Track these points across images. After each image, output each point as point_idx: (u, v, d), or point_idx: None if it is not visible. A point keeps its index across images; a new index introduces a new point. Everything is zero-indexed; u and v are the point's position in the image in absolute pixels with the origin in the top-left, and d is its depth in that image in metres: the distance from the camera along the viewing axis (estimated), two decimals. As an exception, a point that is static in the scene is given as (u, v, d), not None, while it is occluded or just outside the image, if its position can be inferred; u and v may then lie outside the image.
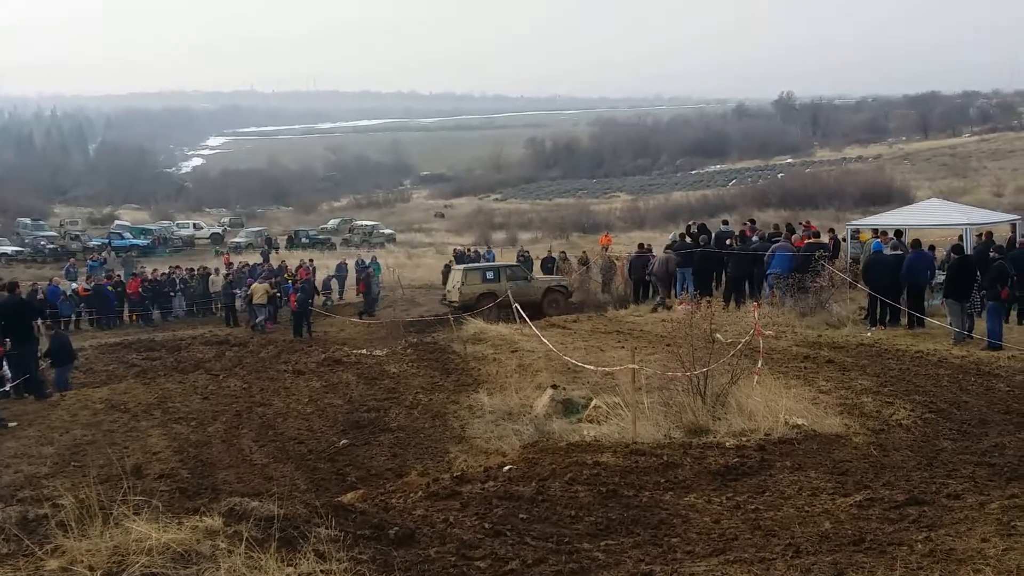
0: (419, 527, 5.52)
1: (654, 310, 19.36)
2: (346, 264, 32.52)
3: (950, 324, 13.91)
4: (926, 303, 15.56)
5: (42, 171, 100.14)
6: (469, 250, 36.84)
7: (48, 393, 13.82)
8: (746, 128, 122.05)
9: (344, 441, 10.68)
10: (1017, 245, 16.43)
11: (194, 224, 60.09)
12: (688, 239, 21.40)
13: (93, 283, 26.41)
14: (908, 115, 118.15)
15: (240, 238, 52.90)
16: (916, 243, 15.69)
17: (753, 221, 23.26)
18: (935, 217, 20.00)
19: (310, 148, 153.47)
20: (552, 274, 27.26)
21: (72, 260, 38.17)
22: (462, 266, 26.07)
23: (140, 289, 26.92)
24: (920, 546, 4.95)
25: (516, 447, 8.84)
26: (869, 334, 14.66)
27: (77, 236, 48.71)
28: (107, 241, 48.29)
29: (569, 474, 6.91)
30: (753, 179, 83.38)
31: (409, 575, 4.69)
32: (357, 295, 29.22)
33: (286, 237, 54.66)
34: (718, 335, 9.64)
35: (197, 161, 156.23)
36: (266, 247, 45.57)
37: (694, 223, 24.30)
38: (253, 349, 19.91)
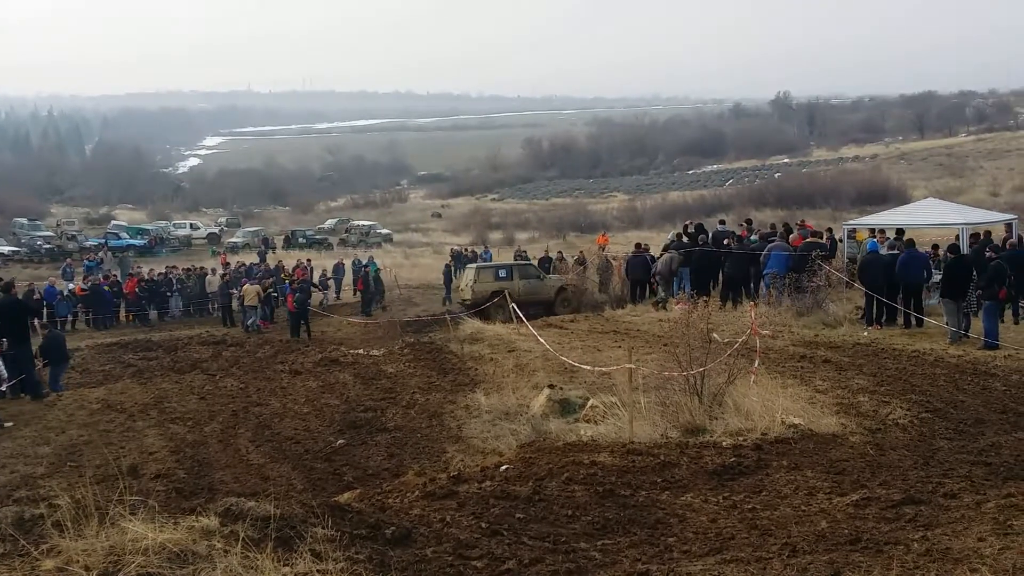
0: (416, 527, 5.52)
1: (657, 308, 19.33)
2: (343, 264, 32.52)
3: (946, 323, 13.93)
4: (924, 303, 15.58)
5: (39, 171, 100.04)
6: (466, 250, 36.78)
7: (44, 393, 13.80)
8: (743, 128, 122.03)
9: (341, 441, 10.67)
10: (1009, 245, 16.47)
11: (191, 224, 60.02)
12: (685, 239, 21.40)
13: (90, 283, 26.36)
14: (904, 115, 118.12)
15: (237, 238, 52.84)
16: (910, 242, 15.72)
17: (750, 221, 23.28)
18: (931, 217, 20.02)
19: (307, 148, 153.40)
20: (549, 274, 27.27)
21: (69, 260, 38.10)
22: (475, 264, 26.33)
23: (137, 289, 26.86)
24: (916, 545, 4.96)
25: (513, 447, 8.84)
26: (866, 334, 14.68)
27: (74, 236, 48.62)
28: (104, 241, 48.14)
29: (566, 474, 6.91)
30: (750, 179, 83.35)
31: (405, 575, 4.69)
32: (354, 294, 29.21)
33: (283, 237, 54.64)
34: (715, 335, 9.65)
35: (194, 161, 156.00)
36: (263, 247, 45.53)
37: (691, 223, 24.29)
38: (250, 349, 19.88)
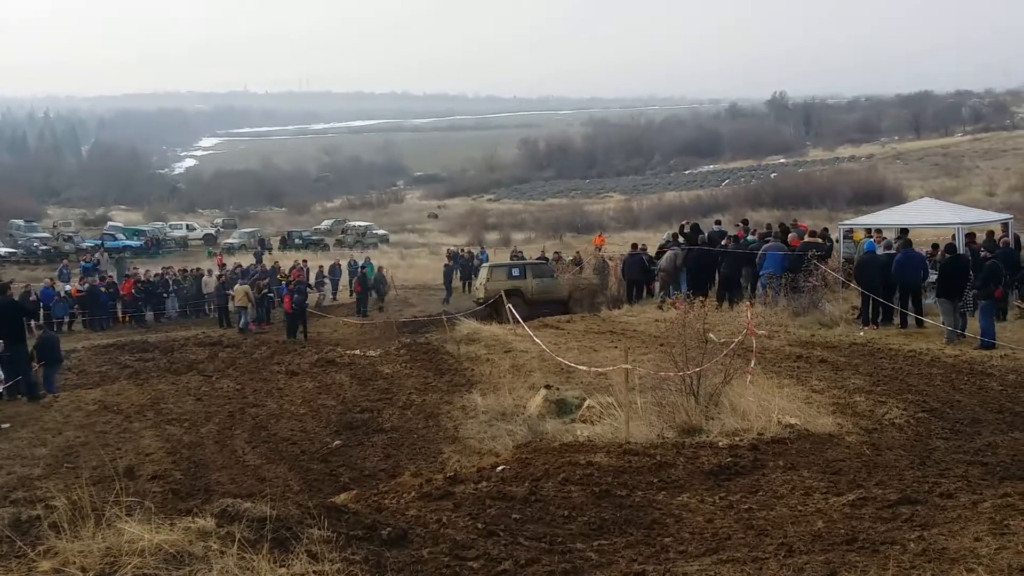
0: (412, 528, 5.52)
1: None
2: (339, 265, 32.50)
3: (943, 323, 13.95)
4: (924, 303, 15.61)
5: (35, 172, 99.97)
6: (463, 250, 36.77)
7: (41, 395, 13.78)
8: (739, 128, 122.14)
9: (337, 442, 10.67)
10: (1002, 243, 16.52)
11: (187, 225, 59.99)
12: (681, 239, 21.37)
13: (86, 284, 26.33)
14: (901, 115, 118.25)
15: (233, 239, 52.86)
16: (907, 242, 15.74)
17: (746, 221, 23.31)
18: (927, 217, 20.04)
19: (303, 149, 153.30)
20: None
21: (65, 261, 38.08)
22: (488, 263, 26.41)
23: (133, 290, 26.84)
24: (913, 545, 4.96)
25: (509, 447, 8.84)
26: (862, 333, 14.70)
27: (70, 237, 48.62)
28: (100, 242, 48.09)
29: (562, 474, 6.91)
30: (746, 179, 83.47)
31: (402, 576, 4.69)
32: (351, 295, 29.20)
33: (279, 238, 54.64)
34: (711, 335, 9.64)
35: (190, 162, 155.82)
36: (259, 248, 45.50)
37: (686, 223, 24.29)
38: (246, 350, 19.87)
